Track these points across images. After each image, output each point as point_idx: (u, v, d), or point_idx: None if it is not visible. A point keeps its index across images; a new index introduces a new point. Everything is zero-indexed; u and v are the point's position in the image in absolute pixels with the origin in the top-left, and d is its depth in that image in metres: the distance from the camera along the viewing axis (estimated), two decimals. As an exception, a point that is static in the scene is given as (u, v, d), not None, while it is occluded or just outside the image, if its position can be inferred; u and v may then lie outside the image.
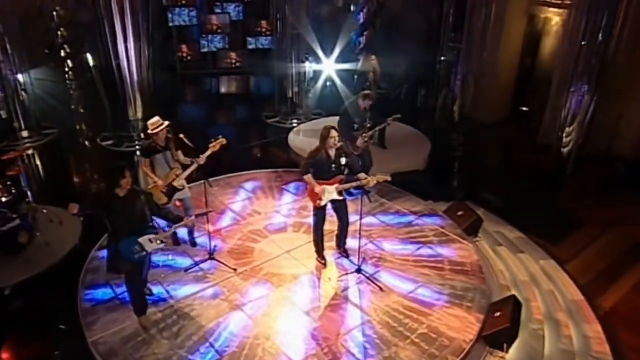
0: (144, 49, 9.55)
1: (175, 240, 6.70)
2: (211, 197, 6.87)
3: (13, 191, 6.78)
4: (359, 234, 6.06)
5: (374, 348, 5.10)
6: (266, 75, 13.82)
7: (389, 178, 5.78)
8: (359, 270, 6.12)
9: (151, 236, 5.02)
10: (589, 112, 8.52)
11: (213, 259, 6.34)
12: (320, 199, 5.98)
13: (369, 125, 7.44)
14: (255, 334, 5.29)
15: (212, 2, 14.43)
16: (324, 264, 6.32)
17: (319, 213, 6.13)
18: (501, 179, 8.92)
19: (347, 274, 6.14)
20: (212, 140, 6.02)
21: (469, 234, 7.04)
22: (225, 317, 5.50)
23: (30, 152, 9.74)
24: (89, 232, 6.85)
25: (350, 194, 7.11)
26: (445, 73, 10.96)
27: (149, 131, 5.92)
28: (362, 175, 5.84)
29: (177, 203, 6.32)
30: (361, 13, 12.33)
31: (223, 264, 6.26)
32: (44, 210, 7.09)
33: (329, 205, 6.13)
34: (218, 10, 14.42)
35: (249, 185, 8.28)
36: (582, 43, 8.30)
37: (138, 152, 6.30)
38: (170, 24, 14.09)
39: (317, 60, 11.97)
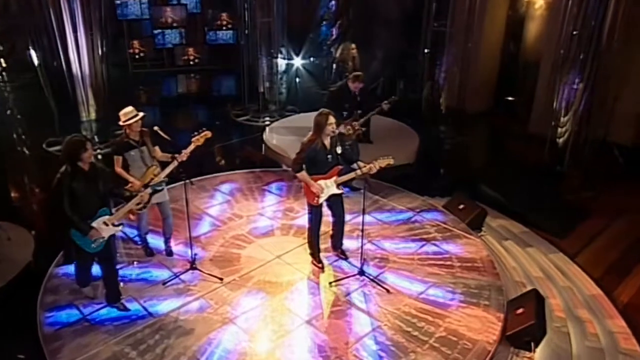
0: (97, 40, 9.07)
1: (148, 250, 6.31)
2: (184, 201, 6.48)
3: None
4: (362, 231, 5.88)
5: (390, 356, 4.88)
6: (229, 72, 13.52)
7: (392, 162, 5.59)
8: (361, 273, 5.89)
9: (105, 218, 4.99)
10: (584, 100, 8.65)
11: (195, 268, 5.97)
12: (318, 197, 5.73)
13: (359, 112, 7.26)
14: (253, 350, 4.97)
15: (166, -7, 14.04)
16: (322, 268, 6.07)
17: (316, 211, 5.89)
18: (496, 171, 8.91)
19: (348, 277, 5.90)
20: (195, 133, 5.69)
21: (473, 228, 6.96)
22: (216, 333, 5.15)
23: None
24: (43, 246, 6.40)
25: (353, 188, 6.93)
26: (429, 64, 10.94)
27: (121, 123, 5.52)
28: (360, 164, 5.63)
29: (132, 217, 5.92)
30: (333, 1, 12.24)
31: (207, 274, 5.91)
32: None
33: (324, 202, 5.89)
34: (173, 2, 14.00)
35: (225, 187, 7.96)
36: (574, 32, 8.42)
37: (109, 149, 5.89)
38: (120, 18, 13.56)
39: (288, 53, 11.78)
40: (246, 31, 11.19)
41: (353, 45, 9.53)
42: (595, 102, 8.72)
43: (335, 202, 5.95)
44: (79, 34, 8.78)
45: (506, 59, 11.47)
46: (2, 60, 13.20)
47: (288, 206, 7.42)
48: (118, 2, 13.28)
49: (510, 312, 5.37)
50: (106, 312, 5.44)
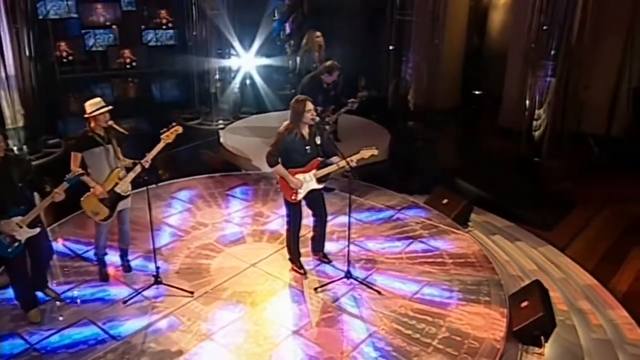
0: (23, 36, 8.55)
1: (104, 273, 5.87)
2: (139, 211, 6.16)
3: None
4: (349, 228, 5.78)
5: (393, 362, 4.73)
6: (173, 75, 13.17)
7: (376, 152, 5.53)
8: (348, 276, 5.73)
9: (17, 219, 4.79)
10: (557, 92, 8.96)
11: (160, 283, 5.63)
12: (296, 193, 5.55)
13: (332, 107, 7.17)
14: (238, 367, 4.70)
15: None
16: (304, 274, 5.87)
17: (294, 209, 5.70)
18: (473, 166, 9.04)
19: (334, 281, 5.73)
20: (164, 129, 5.43)
21: (460, 223, 6.99)
22: (193, 352, 4.84)
23: None
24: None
25: (326, 189, 6.78)
26: (394, 60, 11.05)
27: (87, 114, 5.20)
28: (336, 158, 5.51)
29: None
30: (284, -6, 12.21)
31: (175, 287, 5.58)
32: None
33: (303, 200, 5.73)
34: (104, -2, 13.51)
35: (183, 195, 7.65)
36: (544, 27, 8.74)
37: (68, 145, 5.51)
38: (41, 17, 12.89)
39: (237, 52, 11.60)
40: (194, 32, 10.96)
41: (318, 33, 9.45)
42: (570, 93, 9.07)
43: (315, 199, 5.78)
44: (0, 27, 8.22)
45: (470, 52, 11.75)
46: None
47: (257, 211, 7.22)
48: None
49: (514, 307, 5.35)
50: (58, 338, 5.02)
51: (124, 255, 5.97)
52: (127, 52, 13.82)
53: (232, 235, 6.65)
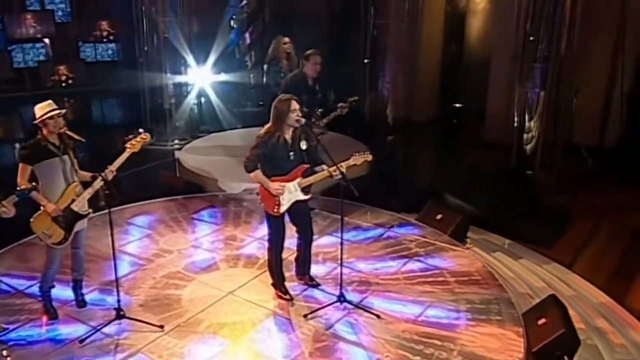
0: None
1: (51, 310, 5.50)
2: (89, 240, 5.85)
3: None
4: (341, 246, 5.64)
5: (405, 392, 4.58)
6: (116, 94, 12.95)
7: (369, 158, 5.52)
8: (342, 299, 5.58)
9: None
10: (548, 104, 9.20)
11: (122, 317, 5.33)
12: (279, 204, 5.41)
13: (321, 110, 7.15)
14: (227, 408, 4.45)
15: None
16: (290, 299, 5.70)
17: (276, 223, 5.55)
18: (459, 181, 9.09)
19: (326, 306, 5.58)
20: (130, 137, 5.27)
21: (457, 239, 7.01)
22: (171, 393, 4.57)
23: None
24: None
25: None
26: (369, 73, 11.21)
27: (36, 120, 4.95)
28: (325, 166, 5.45)
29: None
30: (243, 2, 12.23)
31: (141, 321, 5.30)
32: None
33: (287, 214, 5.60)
34: (35, 8, 13.22)
35: (141, 220, 7.43)
36: (531, 38, 9.02)
37: (19, 155, 5.18)
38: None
39: (191, 66, 11.51)
40: (144, 46, 10.85)
41: (286, 39, 9.41)
42: (561, 105, 9.31)
43: (300, 212, 5.66)
44: None
45: (449, 62, 11.95)
46: None
47: (229, 234, 7.07)
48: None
49: (530, 325, 5.31)
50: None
51: (77, 287, 5.64)
52: (62, 69, 13.53)
53: (202, 262, 6.47)
